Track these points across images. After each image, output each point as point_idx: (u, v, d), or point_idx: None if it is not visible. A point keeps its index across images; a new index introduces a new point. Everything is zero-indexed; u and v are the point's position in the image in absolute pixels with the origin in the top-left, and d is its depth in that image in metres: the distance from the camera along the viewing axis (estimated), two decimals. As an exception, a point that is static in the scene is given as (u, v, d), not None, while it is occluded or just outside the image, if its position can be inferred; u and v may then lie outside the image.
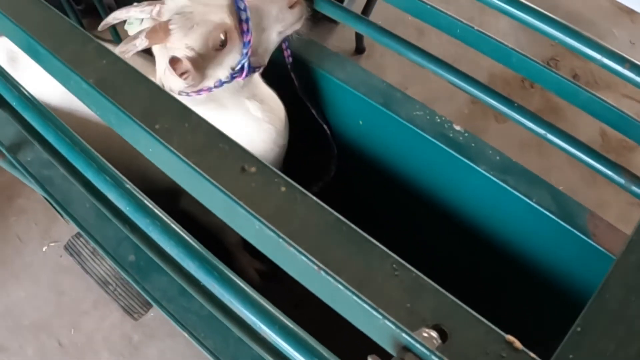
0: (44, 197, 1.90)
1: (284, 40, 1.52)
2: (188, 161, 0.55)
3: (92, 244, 1.27)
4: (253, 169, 0.55)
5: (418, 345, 0.42)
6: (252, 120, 1.47)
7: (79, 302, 2.29)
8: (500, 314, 1.52)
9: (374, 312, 0.44)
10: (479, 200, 1.41)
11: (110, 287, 2.00)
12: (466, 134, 1.38)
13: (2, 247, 2.44)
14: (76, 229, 2.03)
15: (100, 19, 2.23)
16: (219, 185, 0.53)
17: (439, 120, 1.42)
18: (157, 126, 0.58)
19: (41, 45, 0.66)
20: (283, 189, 0.53)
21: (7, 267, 2.38)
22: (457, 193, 1.46)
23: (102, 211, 1.15)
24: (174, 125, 0.59)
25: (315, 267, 0.47)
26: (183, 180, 0.59)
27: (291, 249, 0.48)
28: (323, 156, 1.75)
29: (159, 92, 0.62)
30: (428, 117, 1.43)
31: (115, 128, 0.64)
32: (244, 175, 0.54)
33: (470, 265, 1.61)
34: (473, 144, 1.37)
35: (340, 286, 0.46)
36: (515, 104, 1.29)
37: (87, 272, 2.04)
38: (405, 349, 0.43)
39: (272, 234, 0.49)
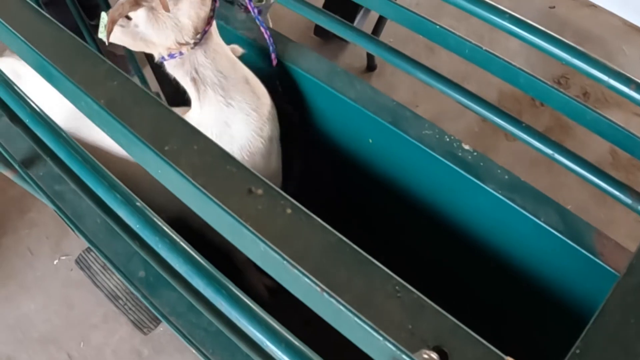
0: (55, 211, 1.92)
1: (273, 50, 1.55)
2: (195, 183, 0.56)
3: (102, 259, 1.28)
4: (260, 191, 0.56)
5: (418, 368, 0.43)
6: (233, 106, 1.47)
7: (89, 316, 2.31)
8: (503, 330, 1.53)
9: (375, 334, 0.45)
10: (487, 218, 1.41)
11: (120, 301, 2.01)
12: (475, 153, 1.39)
13: (13, 260, 2.46)
14: (86, 244, 2.05)
15: (113, 35, 2.25)
16: (226, 208, 0.54)
17: (448, 140, 1.43)
18: (166, 148, 0.59)
19: (54, 67, 0.68)
20: (289, 211, 0.54)
21: (17, 280, 2.40)
22: (465, 211, 1.47)
23: (112, 227, 1.16)
24: (183, 146, 0.60)
25: (319, 289, 0.48)
26: (191, 202, 0.60)
27: (295, 270, 0.49)
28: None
29: (169, 114, 0.63)
30: (437, 137, 1.44)
31: (125, 148, 0.65)
32: (250, 198, 0.55)
33: (475, 281, 1.61)
34: (482, 163, 1.37)
35: (342, 308, 0.47)
36: (523, 124, 1.30)
37: (98, 286, 2.05)
38: (406, 370, 0.44)
39: (277, 256, 0.50)
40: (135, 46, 1.36)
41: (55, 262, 2.45)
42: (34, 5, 0.79)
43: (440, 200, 1.52)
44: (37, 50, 0.70)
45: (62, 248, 2.49)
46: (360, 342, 0.48)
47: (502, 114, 1.31)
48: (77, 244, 2.43)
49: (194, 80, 1.40)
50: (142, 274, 1.28)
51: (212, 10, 1.35)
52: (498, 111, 1.32)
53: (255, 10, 1.59)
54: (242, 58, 1.53)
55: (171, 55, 1.34)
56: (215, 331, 1.19)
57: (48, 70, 0.69)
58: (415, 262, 1.59)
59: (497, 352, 0.46)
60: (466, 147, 1.40)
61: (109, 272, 2.06)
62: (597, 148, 2.56)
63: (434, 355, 0.44)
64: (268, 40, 1.61)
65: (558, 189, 2.45)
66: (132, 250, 1.27)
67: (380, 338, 0.45)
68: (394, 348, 0.45)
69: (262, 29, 1.60)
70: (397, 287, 0.49)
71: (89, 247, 2.09)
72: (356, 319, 0.46)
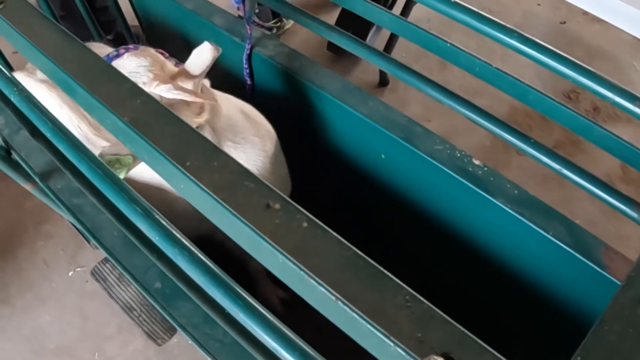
0: (72, 224, 1.95)
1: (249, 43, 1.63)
2: (217, 197, 0.58)
3: (120, 270, 1.31)
4: (277, 206, 0.58)
5: (427, 373, 0.46)
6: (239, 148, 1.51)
7: (104, 327, 2.33)
8: (510, 340, 1.55)
9: (386, 340, 0.48)
10: (497, 231, 1.44)
11: (135, 312, 2.04)
12: (485, 168, 1.42)
13: (29, 271, 2.49)
14: (102, 255, 2.08)
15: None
16: (245, 221, 0.56)
17: (458, 155, 1.45)
18: (187, 164, 0.62)
19: (80, 85, 0.71)
20: (305, 224, 0.57)
21: (33, 291, 2.43)
22: (475, 225, 1.49)
23: (130, 239, 1.19)
24: (204, 163, 0.62)
25: (333, 298, 0.50)
26: (211, 215, 0.62)
27: (311, 281, 0.52)
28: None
29: (190, 132, 0.66)
30: (448, 152, 1.46)
31: (149, 164, 0.68)
32: (268, 212, 0.58)
33: (482, 291, 1.63)
34: (492, 178, 1.40)
35: (355, 315, 0.49)
36: (532, 140, 1.32)
37: (113, 298, 2.07)
38: (416, 376, 0.46)
39: (294, 267, 0.53)
40: None
41: (70, 274, 2.48)
42: (59, 25, 0.82)
43: (450, 214, 1.54)
44: (63, 69, 0.73)
45: (77, 260, 2.52)
46: (372, 348, 0.51)
47: (511, 130, 1.34)
48: (92, 256, 2.46)
49: None
50: (158, 285, 1.30)
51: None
52: (507, 127, 1.34)
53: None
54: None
55: None
56: (231, 342, 1.21)
57: (73, 88, 0.72)
58: (425, 274, 1.61)
59: (502, 359, 0.49)
60: (476, 162, 1.42)
61: (124, 283, 2.09)
62: (607, 162, 2.57)
63: (442, 360, 0.47)
64: (247, 32, 1.71)
65: (569, 202, 2.47)
66: (149, 262, 1.31)
67: (391, 344, 0.47)
68: (403, 354, 0.47)
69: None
70: (407, 297, 0.51)
71: (104, 259, 2.12)
72: (369, 326, 0.48)
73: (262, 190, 0.60)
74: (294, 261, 0.53)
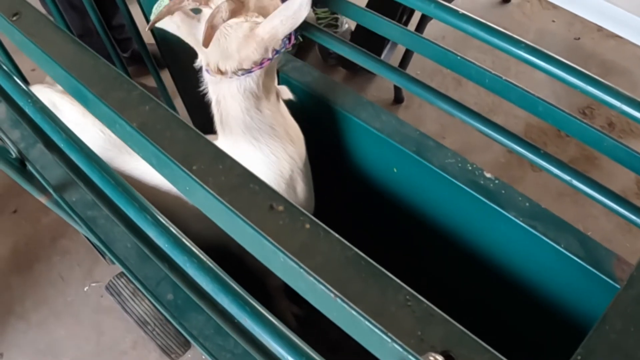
0: (86, 238, 1.97)
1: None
2: (222, 200, 0.59)
3: (133, 280, 1.32)
4: (281, 208, 0.59)
5: (425, 369, 0.46)
6: (253, 145, 1.47)
7: (118, 342, 2.34)
8: (515, 348, 1.54)
9: (384, 336, 0.48)
10: (508, 244, 1.44)
11: (149, 326, 2.05)
12: (496, 181, 1.42)
13: (45, 286, 2.51)
14: (117, 271, 2.09)
15: (145, 67, 2.32)
16: (250, 223, 0.57)
17: (470, 168, 1.45)
18: (194, 167, 0.63)
19: (90, 91, 0.72)
20: (307, 226, 0.57)
21: (49, 306, 2.44)
22: (487, 237, 1.49)
23: (142, 251, 1.20)
24: (210, 166, 0.63)
25: (332, 296, 0.51)
26: (216, 217, 0.63)
27: (311, 278, 0.52)
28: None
29: (196, 136, 0.67)
30: (460, 165, 1.47)
31: (156, 168, 0.69)
32: (272, 214, 0.59)
33: (492, 303, 1.63)
34: (503, 191, 1.40)
35: (353, 312, 0.50)
36: (543, 152, 1.32)
37: (127, 312, 2.09)
38: (413, 372, 0.47)
39: (295, 265, 0.54)
40: (186, 38, 1.37)
41: (85, 289, 2.49)
42: (72, 36, 0.84)
43: (462, 226, 1.54)
44: (74, 76, 0.75)
45: (92, 275, 2.53)
46: (372, 347, 0.51)
47: (526, 144, 1.34)
48: (108, 271, 2.48)
49: (218, 104, 1.41)
50: (170, 297, 1.31)
51: (271, 57, 1.35)
52: (522, 142, 1.35)
53: None
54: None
55: (207, 70, 1.37)
56: (242, 353, 1.21)
57: (84, 94, 0.74)
58: (435, 285, 1.61)
59: (502, 358, 0.49)
60: (488, 175, 1.43)
61: (138, 298, 2.10)
62: (622, 178, 2.57)
63: (440, 358, 0.47)
64: None
65: (584, 219, 2.46)
66: (161, 274, 1.32)
67: (389, 340, 0.48)
68: (401, 350, 0.48)
69: None
70: (407, 297, 0.52)
71: (119, 274, 2.14)
72: (368, 324, 0.49)
73: (266, 192, 0.61)
74: (295, 260, 0.53)
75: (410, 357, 0.47)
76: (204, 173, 0.63)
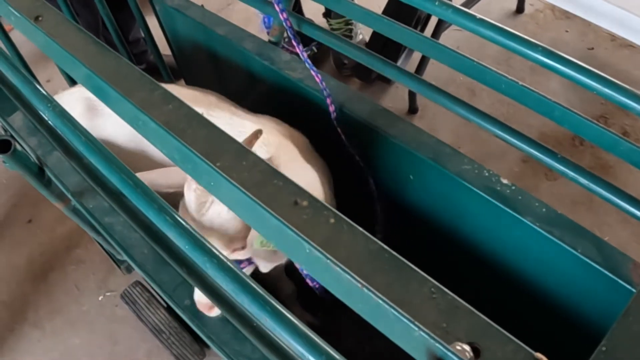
0: (101, 245, 1.98)
1: (328, 94, 1.58)
2: (247, 193, 0.60)
3: (151, 284, 1.32)
4: (305, 203, 0.59)
5: (452, 355, 0.46)
6: None
7: (133, 352, 2.34)
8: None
9: (411, 325, 0.48)
10: (524, 250, 1.43)
11: (164, 335, 2.05)
12: (513, 187, 1.42)
13: (60, 295, 2.51)
14: (132, 280, 2.10)
15: (161, 78, 2.34)
16: (275, 214, 0.58)
17: (486, 174, 1.45)
18: (218, 164, 0.64)
19: (114, 89, 0.73)
20: (332, 220, 0.58)
21: (63, 315, 2.45)
22: (503, 243, 1.49)
23: (159, 257, 1.20)
24: (233, 163, 0.64)
25: (359, 285, 0.51)
26: (241, 212, 0.64)
27: (337, 269, 0.53)
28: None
29: (220, 134, 0.68)
30: (476, 171, 1.47)
31: (179, 164, 0.69)
32: (296, 209, 0.59)
33: (507, 307, 1.62)
34: (520, 197, 1.40)
35: (380, 301, 0.50)
36: (565, 159, 1.32)
37: (142, 320, 2.09)
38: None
39: (321, 256, 0.54)
40: None
41: (100, 298, 2.50)
42: (94, 38, 0.85)
43: (478, 232, 1.54)
44: (98, 75, 0.75)
45: (107, 284, 2.54)
46: (397, 336, 0.51)
47: (544, 150, 1.34)
48: (122, 280, 2.48)
49: None
50: (187, 302, 1.31)
51: None
52: (541, 147, 1.35)
53: (305, 54, 1.64)
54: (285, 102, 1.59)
55: None
56: (259, 358, 1.22)
57: (107, 92, 0.74)
58: (452, 291, 1.60)
59: (527, 349, 0.49)
60: (504, 181, 1.43)
61: (153, 306, 2.11)
62: (638, 187, 2.56)
63: (467, 347, 0.47)
64: (320, 85, 1.64)
65: (599, 228, 2.46)
66: (178, 280, 1.32)
67: (416, 329, 0.48)
68: (428, 338, 0.48)
69: (313, 73, 1.64)
70: (432, 289, 0.52)
71: (134, 283, 2.15)
72: (394, 311, 0.49)
73: (290, 188, 0.61)
74: (322, 251, 0.53)
75: (437, 345, 0.47)
76: (228, 169, 0.63)
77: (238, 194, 0.61)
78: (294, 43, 1.63)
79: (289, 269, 1.87)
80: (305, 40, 3.14)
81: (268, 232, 0.61)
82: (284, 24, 1.61)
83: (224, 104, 1.71)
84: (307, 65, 1.64)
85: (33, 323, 2.44)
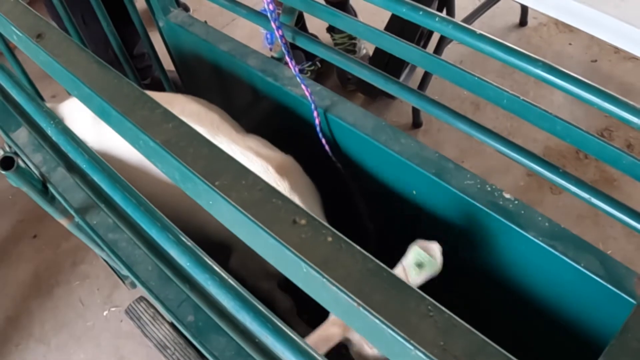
0: (105, 261, 1.98)
1: (315, 107, 1.62)
2: (245, 213, 0.60)
3: (155, 301, 1.33)
4: (303, 222, 0.60)
5: (448, 376, 0.46)
6: None
7: (138, 367, 2.35)
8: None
9: (408, 345, 0.49)
10: (527, 264, 1.43)
11: (169, 350, 2.05)
12: (516, 202, 1.42)
13: (65, 310, 2.52)
14: (136, 295, 2.10)
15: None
16: (273, 235, 0.58)
17: (489, 189, 1.46)
18: (217, 183, 0.64)
19: (114, 109, 0.73)
20: (330, 239, 0.58)
21: (69, 330, 2.45)
22: (506, 257, 1.49)
23: (163, 274, 1.20)
24: (233, 182, 0.64)
25: (355, 305, 0.51)
26: (239, 231, 0.64)
27: (334, 288, 0.53)
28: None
29: (220, 153, 0.68)
30: (479, 186, 1.47)
31: (179, 184, 0.70)
32: (294, 227, 0.59)
33: (509, 322, 1.62)
34: (522, 211, 1.40)
35: (377, 321, 0.50)
36: (568, 174, 1.33)
37: (147, 336, 2.09)
38: (437, 380, 0.47)
39: (318, 276, 0.54)
40: None
41: (105, 314, 2.51)
42: (96, 57, 0.86)
43: (481, 246, 1.54)
44: (98, 94, 0.76)
45: (112, 300, 2.54)
46: (394, 355, 0.52)
47: (548, 165, 1.35)
48: (127, 295, 2.49)
49: None
50: (191, 318, 1.31)
51: None
52: (544, 163, 1.35)
53: (296, 69, 1.65)
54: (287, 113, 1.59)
55: None
56: (262, 375, 1.21)
57: (108, 112, 0.75)
58: (454, 305, 1.60)
59: (525, 368, 0.49)
60: (507, 195, 1.43)
61: (158, 322, 2.10)
62: (642, 201, 2.56)
63: (465, 367, 0.47)
64: (309, 98, 1.66)
65: (604, 242, 2.45)
66: (182, 297, 1.32)
67: (411, 348, 0.48)
68: (426, 358, 0.48)
69: (304, 87, 1.66)
70: (429, 307, 0.52)
71: (139, 298, 2.15)
72: (391, 332, 0.49)
73: (289, 207, 0.61)
74: (319, 271, 0.54)
75: (433, 365, 0.48)
76: (227, 188, 0.64)
77: (236, 213, 0.61)
78: (287, 58, 1.64)
79: (283, 284, 1.87)
80: (309, 56, 3.17)
81: (266, 251, 0.61)
82: (279, 40, 1.61)
83: (225, 124, 1.71)
84: (298, 79, 1.65)
85: (39, 338, 2.45)
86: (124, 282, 2.30)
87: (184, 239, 0.90)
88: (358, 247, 0.57)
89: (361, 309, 0.51)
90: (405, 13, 1.42)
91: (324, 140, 1.72)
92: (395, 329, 0.49)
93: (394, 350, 0.51)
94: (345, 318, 0.55)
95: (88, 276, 2.64)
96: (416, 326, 0.50)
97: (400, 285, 0.54)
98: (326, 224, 0.59)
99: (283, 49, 1.64)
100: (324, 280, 0.53)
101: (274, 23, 1.59)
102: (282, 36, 1.62)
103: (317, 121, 1.68)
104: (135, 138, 0.72)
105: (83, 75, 0.81)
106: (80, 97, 0.85)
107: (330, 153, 1.73)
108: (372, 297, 0.52)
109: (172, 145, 0.68)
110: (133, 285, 2.31)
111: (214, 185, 0.64)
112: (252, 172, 0.65)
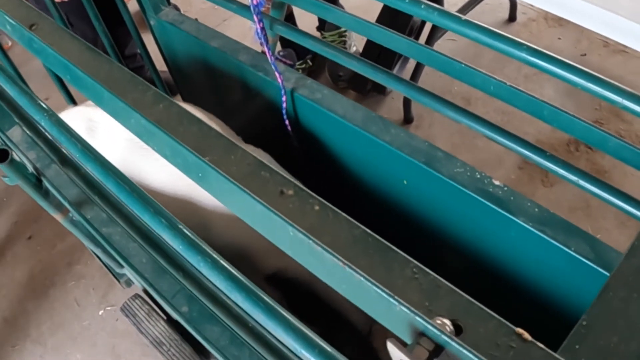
0: (99, 259, 1.99)
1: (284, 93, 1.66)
2: (236, 183, 0.61)
3: (150, 291, 1.34)
4: (290, 192, 0.61)
5: (433, 329, 0.47)
6: None
7: (134, 365, 2.35)
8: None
9: (393, 301, 0.50)
10: (518, 250, 1.44)
11: (164, 347, 2.06)
12: (505, 188, 1.43)
13: (61, 310, 2.52)
14: (131, 294, 2.11)
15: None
16: (261, 201, 0.59)
17: (478, 176, 1.47)
18: (207, 158, 0.65)
19: (106, 90, 0.75)
20: (317, 207, 0.59)
21: (65, 330, 2.46)
22: (497, 244, 1.50)
23: (157, 266, 1.22)
24: (222, 157, 0.66)
25: (341, 264, 0.53)
26: (229, 202, 0.66)
27: (319, 249, 0.54)
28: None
29: (209, 131, 0.70)
30: (468, 174, 1.48)
31: (169, 159, 0.71)
32: (282, 198, 0.61)
33: (501, 308, 1.63)
34: (512, 197, 1.41)
35: (363, 279, 0.52)
36: (562, 161, 1.34)
37: (142, 333, 2.10)
38: (421, 334, 0.48)
39: (305, 238, 0.55)
40: None
41: (101, 313, 2.51)
42: (88, 44, 0.87)
43: (472, 234, 1.55)
44: (91, 77, 0.77)
45: (108, 299, 2.55)
46: (379, 313, 0.53)
47: (539, 151, 1.36)
48: (122, 295, 2.50)
49: None
50: (185, 309, 1.32)
51: None
52: (536, 149, 1.37)
53: (270, 54, 1.67)
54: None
55: None
56: (257, 360, 1.23)
57: (100, 93, 0.76)
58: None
59: (508, 325, 0.51)
60: (496, 182, 1.44)
61: (153, 319, 2.11)
62: (633, 191, 2.57)
63: (448, 321, 0.48)
64: (281, 84, 1.68)
65: (596, 233, 2.46)
66: (176, 288, 1.33)
67: (396, 303, 0.49)
68: (409, 312, 0.49)
69: (277, 74, 1.67)
70: (414, 270, 0.53)
71: (134, 296, 2.15)
72: (376, 288, 0.51)
73: (276, 179, 0.63)
74: (306, 234, 0.55)
75: (418, 319, 0.49)
76: (217, 163, 0.65)
77: (226, 183, 0.63)
78: (263, 42, 1.65)
79: (271, 278, 1.88)
80: (300, 53, 3.19)
81: (255, 220, 0.62)
82: (258, 30, 1.62)
83: (224, 134, 1.72)
84: (273, 67, 1.67)
85: (35, 339, 2.45)
86: (119, 281, 2.31)
87: (176, 222, 0.91)
88: (345, 215, 0.58)
89: (347, 268, 0.52)
90: (393, 2, 1.43)
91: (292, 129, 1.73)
92: (381, 287, 0.51)
93: (379, 309, 0.52)
94: (331, 280, 0.56)
95: (83, 276, 2.64)
96: (402, 287, 0.52)
97: (386, 249, 0.55)
98: (313, 194, 0.60)
99: (261, 38, 1.65)
100: (311, 242, 0.55)
101: (254, 12, 1.60)
102: (261, 26, 1.62)
103: (284, 104, 1.71)
104: (127, 117, 0.73)
105: (76, 60, 0.82)
106: (72, 81, 0.87)
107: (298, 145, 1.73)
108: (359, 260, 0.54)
109: (163, 124, 0.69)
110: (128, 284, 2.32)
111: (204, 159, 0.65)
112: (240, 147, 0.67)
